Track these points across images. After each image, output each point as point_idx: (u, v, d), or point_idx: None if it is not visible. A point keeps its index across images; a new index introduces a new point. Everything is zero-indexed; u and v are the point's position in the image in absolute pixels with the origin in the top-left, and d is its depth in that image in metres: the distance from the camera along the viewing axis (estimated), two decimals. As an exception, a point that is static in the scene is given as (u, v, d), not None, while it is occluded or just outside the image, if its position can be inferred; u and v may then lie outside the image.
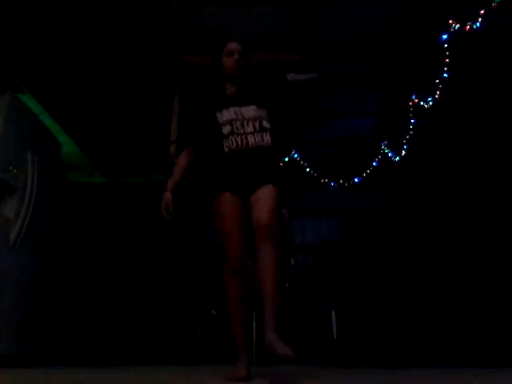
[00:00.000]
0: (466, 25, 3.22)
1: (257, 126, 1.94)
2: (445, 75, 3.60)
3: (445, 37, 3.37)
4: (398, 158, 4.79)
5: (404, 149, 4.64)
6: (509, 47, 3.67)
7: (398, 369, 2.91)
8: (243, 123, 1.93)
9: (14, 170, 2.77)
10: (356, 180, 5.40)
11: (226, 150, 1.89)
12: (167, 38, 3.72)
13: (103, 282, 4.56)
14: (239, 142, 1.89)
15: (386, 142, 5.02)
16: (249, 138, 1.90)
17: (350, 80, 4.27)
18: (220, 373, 2.34)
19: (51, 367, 2.72)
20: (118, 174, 5.26)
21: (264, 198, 1.77)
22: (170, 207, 2.00)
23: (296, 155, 5.19)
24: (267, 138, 1.94)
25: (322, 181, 5.48)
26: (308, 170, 5.32)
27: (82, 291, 4.47)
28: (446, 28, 3.32)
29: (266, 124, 1.96)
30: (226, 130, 1.92)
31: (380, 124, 4.95)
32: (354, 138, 5.24)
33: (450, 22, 3.28)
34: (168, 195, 2.02)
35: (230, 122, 1.93)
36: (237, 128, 1.92)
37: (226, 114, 1.95)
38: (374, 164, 5.15)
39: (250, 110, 1.97)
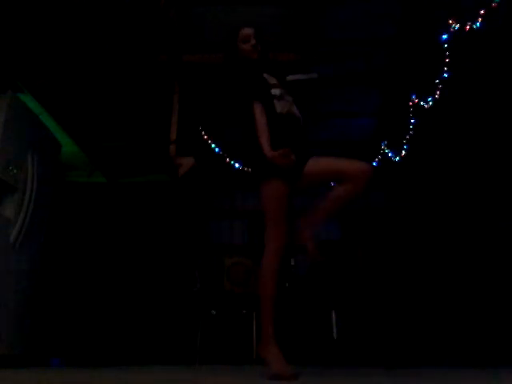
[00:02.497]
0: (465, 25, 3.22)
1: (291, 98, 2.02)
2: (445, 75, 3.60)
3: (445, 37, 3.37)
4: (397, 158, 4.79)
5: (404, 149, 4.64)
6: (509, 47, 3.67)
7: (398, 369, 2.92)
8: (284, 92, 1.99)
9: (14, 170, 2.77)
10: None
11: (278, 110, 1.91)
12: (167, 37, 3.72)
13: (103, 282, 4.56)
14: (285, 107, 1.94)
15: (385, 142, 5.02)
16: (294, 107, 1.99)
17: (350, 80, 4.27)
18: (220, 373, 2.34)
19: (50, 367, 2.71)
20: (118, 174, 5.26)
21: (339, 158, 1.85)
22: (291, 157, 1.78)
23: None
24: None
25: (322, 181, 5.47)
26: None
27: (82, 291, 4.47)
28: (445, 28, 3.32)
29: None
30: (275, 92, 1.94)
31: (380, 124, 4.95)
32: (354, 138, 5.24)
33: (450, 22, 3.28)
34: (274, 153, 1.80)
35: (275, 86, 1.96)
36: (283, 94, 1.96)
37: (271, 79, 1.99)
38: (374, 164, 5.14)
39: (275, 80, 2.02)
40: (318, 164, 1.89)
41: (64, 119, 4.14)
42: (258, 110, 1.89)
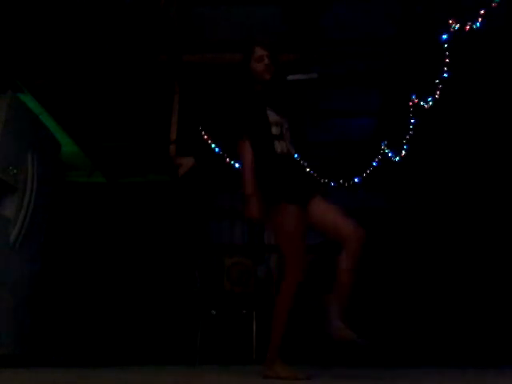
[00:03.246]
0: (466, 25, 3.22)
1: (289, 135, 2.01)
2: (445, 75, 3.59)
3: (445, 37, 3.37)
4: (398, 158, 4.79)
5: (404, 149, 4.64)
6: (509, 47, 3.67)
7: (398, 369, 2.91)
8: (286, 130, 1.97)
9: (14, 170, 2.77)
10: (356, 180, 5.39)
11: (278, 150, 1.89)
12: (167, 37, 3.72)
13: (103, 282, 4.56)
14: (284, 148, 1.92)
15: (385, 142, 5.02)
16: (289, 146, 1.97)
17: (350, 80, 4.27)
18: (220, 373, 2.34)
19: (51, 367, 2.71)
20: (118, 174, 5.26)
21: (338, 210, 1.84)
22: (259, 213, 1.84)
23: (296, 155, 5.18)
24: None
25: (322, 181, 5.48)
26: (308, 169, 5.31)
27: (82, 291, 4.47)
28: (446, 28, 3.32)
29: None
30: (275, 131, 1.92)
31: (380, 124, 4.95)
32: (354, 138, 5.24)
33: (450, 22, 3.28)
34: (255, 200, 1.84)
35: (277, 124, 1.93)
36: (284, 133, 1.95)
37: (272, 115, 1.94)
38: (374, 164, 5.14)
39: (284, 121, 1.99)
40: (325, 205, 1.87)
41: (64, 119, 4.14)
42: (244, 146, 1.89)
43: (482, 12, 3.12)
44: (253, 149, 1.91)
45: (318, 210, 1.85)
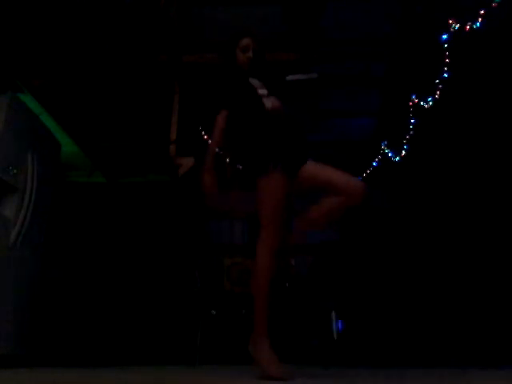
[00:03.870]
0: (466, 25, 3.22)
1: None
2: (445, 75, 3.60)
3: (445, 37, 3.37)
4: (398, 158, 4.79)
5: (404, 149, 4.64)
6: (509, 47, 3.67)
7: (398, 369, 2.92)
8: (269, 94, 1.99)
9: (14, 170, 2.77)
10: (356, 180, 5.38)
11: (268, 106, 1.91)
12: (167, 37, 3.72)
13: (103, 281, 4.56)
14: (275, 102, 1.94)
15: (385, 142, 5.02)
16: (281, 106, 1.97)
17: (350, 80, 4.27)
18: (220, 373, 2.34)
19: (51, 367, 2.71)
20: (118, 174, 5.26)
21: (333, 168, 1.83)
22: (214, 188, 1.88)
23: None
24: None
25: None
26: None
27: (82, 291, 4.47)
28: (445, 28, 3.32)
29: None
30: (262, 92, 1.96)
31: (380, 124, 4.95)
32: (354, 138, 5.24)
33: (450, 22, 3.28)
34: (212, 173, 1.89)
35: (262, 87, 1.99)
36: (269, 92, 1.97)
37: (254, 81, 2.01)
38: (374, 164, 5.14)
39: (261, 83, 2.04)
40: (315, 167, 1.87)
41: (64, 119, 4.15)
42: (219, 118, 1.95)
43: (482, 12, 3.12)
44: (241, 115, 1.95)
45: (315, 170, 1.86)
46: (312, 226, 1.87)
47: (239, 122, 1.98)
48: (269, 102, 1.93)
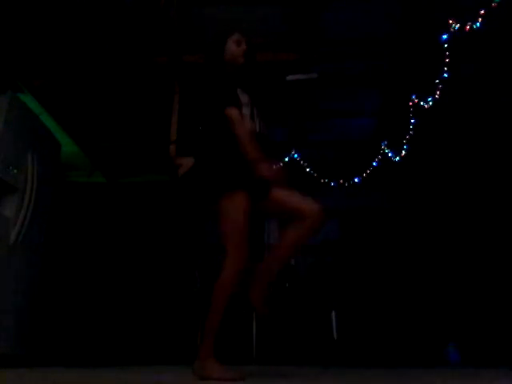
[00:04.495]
0: (466, 25, 3.22)
1: (257, 113, 1.94)
2: (445, 75, 3.60)
3: (445, 37, 3.37)
4: (398, 158, 4.79)
5: (404, 149, 4.64)
6: (509, 47, 3.67)
7: (398, 369, 2.92)
8: (257, 113, 1.93)
9: (14, 170, 2.77)
10: (356, 180, 5.40)
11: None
12: (167, 38, 3.72)
13: (103, 281, 4.56)
14: (257, 127, 1.88)
15: (385, 142, 5.02)
16: (261, 125, 1.91)
17: (350, 80, 4.27)
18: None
19: (51, 367, 2.72)
20: (118, 174, 5.26)
21: (295, 193, 1.80)
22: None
23: (296, 155, 5.19)
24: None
25: (322, 181, 5.48)
26: (308, 169, 5.32)
27: (82, 291, 4.47)
28: (445, 28, 3.32)
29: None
30: (246, 111, 1.87)
31: (380, 124, 4.95)
32: (354, 138, 5.24)
33: (450, 22, 3.28)
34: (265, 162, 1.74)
35: (247, 105, 1.90)
36: (255, 114, 1.90)
37: (242, 97, 1.90)
38: (374, 164, 5.15)
39: (247, 97, 1.94)
40: (280, 191, 1.81)
41: (64, 119, 4.14)
42: (236, 114, 1.77)
43: (482, 12, 3.13)
44: (221, 129, 1.84)
45: (280, 194, 1.80)
46: (282, 263, 1.85)
47: (213, 135, 1.91)
48: (247, 124, 1.83)
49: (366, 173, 5.28)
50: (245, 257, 1.75)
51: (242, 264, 1.75)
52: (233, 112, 1.77)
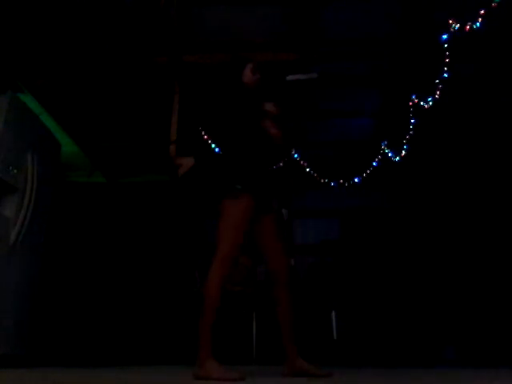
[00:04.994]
0: (466, 25, 3.22)
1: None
2: (445, 75, 3.60)
3: (445, 37, 3.37)
4: (398, 158, 4.79)
5: (404, 149, 4.64)
6: (509, 47, 3.67)
7: (398, 369, 2.92)
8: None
9: (14, 170, 2.77)
10: (356, 180, 5.40)
11: (272, 133, 2.00)
12: (167, 37, 3.72)
13: (103, 281, 4.56)
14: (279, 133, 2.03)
15: (385, 142, 5.02)
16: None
17: (350, 80, 4.27)
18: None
19: (51, 367, 2.72)
20: (118, 174, 5.26)
21: (279, 243, 1.93)
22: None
23: (296, 155, 5.19)
24: None
25: (322, 181, 5.48)
26: (308, 170, 5.32)
27: (81, 291, 4.47)
28: (446, 28, 3.32)
29: None
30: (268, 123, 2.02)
31: (380, 124, 4.95)
32: (354, 138, 5.24)
33: (450, 22, 3.28)
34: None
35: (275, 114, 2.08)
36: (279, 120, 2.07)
37: (270, 106, 2.09)
38: (374, 164, 5.14)
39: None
40: (274, 223, 1.95)
41: (64, 119, 4.14)
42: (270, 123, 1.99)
43: (482, 12, 3.12)
44: (240, 136, 1.98)
45: (267, 234, 1.94)
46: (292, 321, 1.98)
47: (233, 132, 2.01)
48: (274, 129, 2.00)
49: (365, 173, 5.27)
50: (233, 261, 1.83)
51: (228, 269, 1.82)
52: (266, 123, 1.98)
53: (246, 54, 3.36)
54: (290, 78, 3.95)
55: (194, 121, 4.24)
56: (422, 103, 3.96)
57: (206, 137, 4.24)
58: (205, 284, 1.82)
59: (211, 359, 1.71)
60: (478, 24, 3.16)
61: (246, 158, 1.91)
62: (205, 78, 3.99)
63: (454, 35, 3.31)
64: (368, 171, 5.24)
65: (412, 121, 4.31)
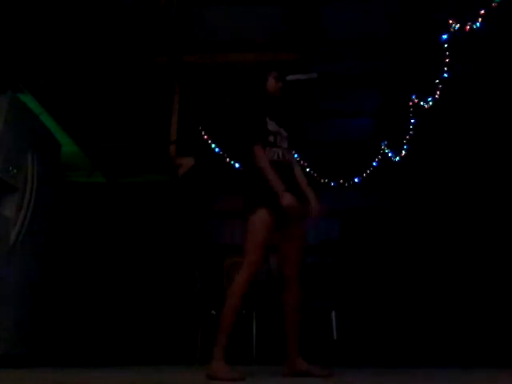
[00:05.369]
0: (466, 25, 3.22)
1: (287, 144, 2.18)
2: (445, 75, 3.60)
3: (445, 37, 3.37)
4: (398, 158, 4.79)
5: (404, 149, 4.64)
6: (509, 47, 3.67)
7: (398, 369, 2.92)
8: (281, 138, 2.16)
9: (14, 170, 2.77)
10: (356, 180, 5.40)
11: (269, 157, 2.05)
12: (167, 37, 3.72)
13: (103, 281, 4.56)
14: (280, 155, 2.09)
15: (385, 142, 5.02)
16: (285, 153, 2.13)
17: (350, 80, 4.27)
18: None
19: (51, 367, 2.72)
20: (118, 174, 5.25)
21: (297, 255, 2.06)
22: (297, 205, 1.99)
23: (296, 155, 5.19)
24: (292, 157, 2.24)
25: (322, 181, 5.48)
26: (308, 169, 5.32)
27: (82, 291, 4.47)
28: (446, 28, 3.32)
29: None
30: (271, 139, 2.11)
31: (380, 124, 4.95)
32: (354, 138, 5.24)
33: (450, 22, 3.28)
34: (291, 196, 1.95)
35: (274, 134, 2.13)
36: (278, 141, 2.12)
37: (271, 125, 2.15)
38: (374, 164, 5.15)
39: (282, 130, 2.19)
40: (296, 232, 2.07)
41: (64, 119, 4.14)
42: (261, 152, 2.03)
43: (482, 12, 3.13)
44: (248, 153, 2.07)
45: (288, 241, 2.07)
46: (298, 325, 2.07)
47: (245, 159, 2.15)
48: (271, 153, 2.06)
49: (366, 173, 5.28)
50: (258, 267, 1.96)
51: (253, 274, 1.96)
52: (256, 148, 2.02)
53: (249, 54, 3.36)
54: (290, 78, 3.95)
55: (194, 121, 4.23)
56: (422, 103, 3.96)
57: (205, 137, 4.24)
58: (230, 287, 1.94)
59: (220, 360, 1.82)
60: (478, 24, 3.16)
61: (261, 177, 2.00)
62: (205, 77, 3.99)
63: (453, 35, 3.31)
64: (368, 171, 5.25)
65: (412, 121, 4.31)
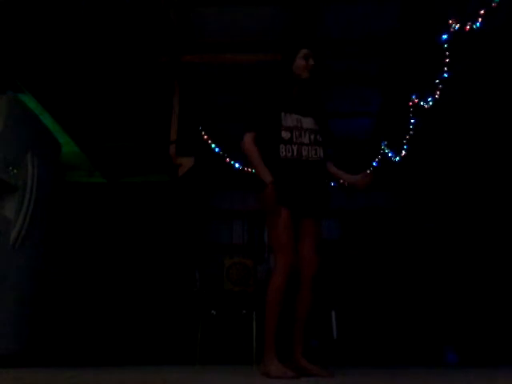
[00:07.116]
0: (466, 25, 3.22)
1: (312, 138, 2.05)
2: (445, 75, 3.60)
3: (445, 37, 3.37)
4: (398, 158, 4.79)
5: (404, 149, 4.64)
6: (509, 47, 3.67)
7: (398, 369, 2.92)
8: (301, 133, 2.03)
9: (14, 170, 2.77)
10: (356, 180, 5.38)
11: (282, 155, 1.97)
12: (167, 38, 3.72)
13: (103, 281, 4.55)
14: (295, 152, 1.99)
15: (385, 142, 5.02)
16: (303, 149, 2.01)
17: (350, 80, 4.27)
18: (220, 373, 2.35)
19: (51, 367, 2.72)
20: (118, 174, 5.25)
21: (311, 248, 1.98)
22: (274, 199, 1.92)
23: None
24: (320, 152, 2.08)
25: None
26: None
27: (82, 291, 4.47)
28: (446, 28, 3.32)
29: (319, 138, 2.08)
30: (286, 135, 2.00)
31: (380, 124, 4.95)
32: (354, 138, 5.24)
33: (450, 22, 3.28)
34: (273, 188, 1.90)
35: (291, 130, 2.01)
36: (296, 137, 2.01)
37: (289, 120, 2.03)
38: (374, 164, 5.14)
39: (308, 122, 2.06)
40: (312, 227, 2.00)
41: (64, 119, 4.14)
42: (248, 139, 1.98)
43: (482, 12, 3.13)
44: (260, 151, 2.00)
45: (303, 236, 2.00)
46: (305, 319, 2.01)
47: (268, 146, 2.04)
48: (285, 150, 1.97)
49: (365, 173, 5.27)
50: (290, 262, 1.90)
51: (289, 269, 1.90)
52: (246, 135, 1.98)
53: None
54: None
55: (194, 121, 4.23)
56: (422, 103, 3.96)
57: (205, 137, 4.24)
58: (267, 288, 1.91)
59: (273, 358, 1.82)
60: (478, 24, 3.16)
61: (277, 171, 1.94)
62: (205, 77, 3.99)
63: (454, 35, 3.31)
64: (368, 171, 5.24)
65: (412, 121, 4.31)
